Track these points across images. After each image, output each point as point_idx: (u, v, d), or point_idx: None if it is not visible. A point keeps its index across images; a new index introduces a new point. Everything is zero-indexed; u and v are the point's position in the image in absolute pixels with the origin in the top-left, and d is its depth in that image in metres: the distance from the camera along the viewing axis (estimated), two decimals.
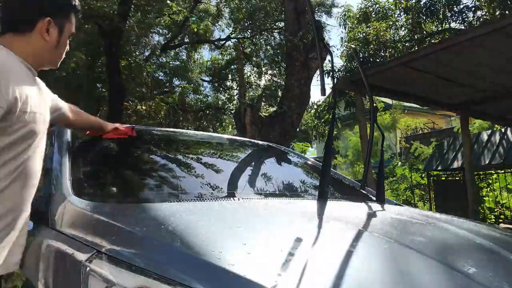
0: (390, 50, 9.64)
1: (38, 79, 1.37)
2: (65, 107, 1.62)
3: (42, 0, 1.30)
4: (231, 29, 13.30)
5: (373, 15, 10.61)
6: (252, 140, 3.00)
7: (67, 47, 1.40)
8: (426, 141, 13.88)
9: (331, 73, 7.68)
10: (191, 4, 11.17)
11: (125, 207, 1.35)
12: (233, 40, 13.49)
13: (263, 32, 12.76)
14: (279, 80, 13.09)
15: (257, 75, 14.06)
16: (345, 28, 11.21)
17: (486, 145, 9.09)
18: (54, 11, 1.31)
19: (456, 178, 9.50)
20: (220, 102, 14.75)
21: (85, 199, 1.31)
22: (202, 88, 14.92)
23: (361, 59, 9.35)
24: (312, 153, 22.42)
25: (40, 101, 1.31)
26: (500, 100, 6.40)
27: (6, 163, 1.18)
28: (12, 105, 1.15)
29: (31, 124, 1.23)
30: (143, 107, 11.96)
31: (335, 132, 6.27)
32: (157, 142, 2.23)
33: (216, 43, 13.79)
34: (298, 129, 10.33)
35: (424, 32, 9.87)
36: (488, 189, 9.40)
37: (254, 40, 13.18)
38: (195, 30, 10.53)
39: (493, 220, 8.48)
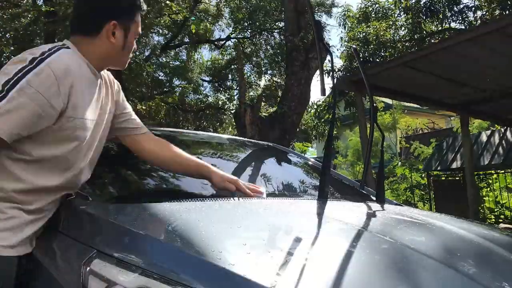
0: (390, 50, 9.63)
1: (102, 81, 1.36)
2: (142, 130, 1.54)
3: (107, 3, 1.30)
4: (231, 29, 13.30)
5: (373, 15, 10.61)
6: (252, 140, 3.00)
7: (134, 47, 1.39)
8: (426, 141, 13.88)
9: (331, 73, 7.68)
10: (191, 4, 11.17)
11: (125, 207, 1.35)
12: (233, 40, 13.50)
13: (263, 32, 12.76)
14: (279, 80, 13.09)
15: (257, 75, 14.07)
16: (344, 28, 11.21)
17: (486, 145, 9.08)
18: (119, 13, 1.30)
19: (456, 178, 9.50)
20: (220, 102, 14.76)
21: (85, 199, 1.31)
22: (202, 88, 14.94)
23: (361, 59, 9.35)
24: (312, 153, 22.42)
25: (97, 108, 1.30)
26: (500, 100, 6.40)
27: (52, 165, 1.21)
28: (64, 108, 1.16)
29: (80, 131, 1.23)
30: (143, 107, 11.97)
31: (335, 132, 6.27)
32: None
33: (216, 43, 13.79)
34: (298, 129, 10.33)
35: (424, 32, 9.87)
36: (488, 189, 9.39)
37: (254, 40, 13.18)
38: (194, 31, 10.53)
39: (493, 220, 8.47)
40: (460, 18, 9.30)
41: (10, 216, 1.16)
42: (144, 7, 1.38)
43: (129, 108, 1.55)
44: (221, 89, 14.86)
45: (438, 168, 9.47)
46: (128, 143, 1.53)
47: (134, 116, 1.55)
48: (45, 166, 1.20)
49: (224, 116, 14.59)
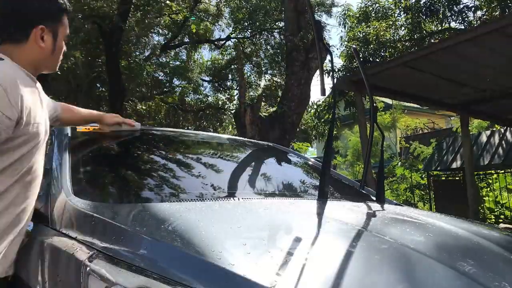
0: (390, 50, 9.63)
1: (38, 85, 1.36)
2: (59, 108, 1.64)
3: (33, 9, 1.27)
4: (231, 29, 13.30)
5: (373, 15, 10.60)
6: (252, 140, 3.00)
7: (64, 48, 1.39)
8: (426, 141, 13.88)
9: (331, 73, 7.68)
10: (191, 4, 11.16)
11: (125, 207, 1.35)
12: (233, 40, 13.50)
13: (263, 32, 12.76)
14: (279, 80, 13.09)
15: (257, 75, 14.06)
16: (344, 27, 11.21)
17: (486, 145, 9.08)
18: (46, 18, 1.29)
19: (456, 178, 9.49)
20: (220, 102, 14.75)
21: (85, 199, 1.31)
22: (202, 88, 14.93)
23: (361, 59, 9.33)
24: (312, 153, 22.42)
25: (42, 111, 1.32)
26: (500, 100, 6.40)
27: (9, 169, 1.21)
28: (19, 117, 1.17)
29: (35, 135, 1.25)
30: (143, 107, 11.97)
31: (334, 132, 6.27)
32: (157, 142, 2.23)
33: (216, 43, 13.79)
34: (298, 129, 10.31)
35: (424, 31, 9.86)
36: (488, 189, 9.39)
37: (254, 40, 13.17)
38: (194, 30, 10.53)
39: (493, 220, 8.47)
40: (460, 18, 9.29)
41: None
42: (71, 8, 1.40)
43: (55, 106, 1.61)
44: (221, 89, 14.85)
45: (438, 168, 9.47)
46: (58, 124, 1.68)
47: (56, 106, 1.62)
48: (7, 173, 1.21)
49: (224, 116, 14.58)
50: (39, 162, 1.31)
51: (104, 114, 1.83)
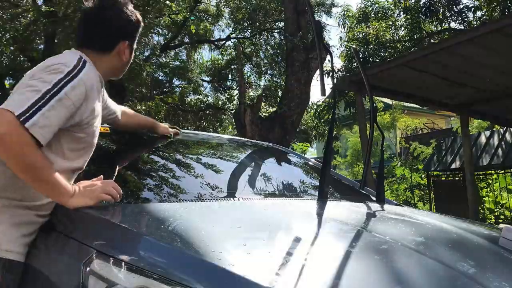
0: (389, 50, 9.62)
1: (103, 89, 1.51)
2: (118, 111, 1.76)
3: (124, 27, 1.45)
4: (231, 29, 13.30)
5: (373, 15, 10.60)
6: (252, 140, 3.00)
7: None
8: (426, 141, 13.89)
9: (331, 73, 7.67)
10: (191, 4, 11.16)
11: (125, 207, 1.35)
12: (233, 40, 13.49)
13: (263, 32, 12.76)
14: (279, 80, 13.09)
15: (257, 75, 14.05)
16: (344, 28, 11.20)
17: (486, 145, 9.08)
18: (130, 34, 1.48)
19: (456, 179, 9.50)
20: (220, 102, 14.74)
21: None
22: (202, 88, 14.92)
23: (361, 59, 9.33)
24: (312, 153, 22.42)
25: (100, 114, 1.43)
26: (500, 100, 6.40)
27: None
28: (83, 119, 1.28)
29: (89, 137, 1.35)
30: (143, 107, 11.95)
31: (334, 132, 6.27)
32: (157, 142, 2.22)
33: (216, 43, 13.78)
34: (298, 129, 10.30)
35: (424, 32, 9.86)
36: (488, 189, 9.39)
37: (254, 40, 13.17)
38: (194, 30, 10.53)
39: (493, 220, 8.48)
40: (460, 18, 9.29)
41: None
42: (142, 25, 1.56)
43: (108, 100, 1.69)
44: (221, 89, 14.84)
45: (438, 169, 9.46)
46: (115, 126, 1.81)
47: (110, 102, 1.71)
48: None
49: (224, 116, 14.56)
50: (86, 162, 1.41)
51: (158, 123, 2.00)
